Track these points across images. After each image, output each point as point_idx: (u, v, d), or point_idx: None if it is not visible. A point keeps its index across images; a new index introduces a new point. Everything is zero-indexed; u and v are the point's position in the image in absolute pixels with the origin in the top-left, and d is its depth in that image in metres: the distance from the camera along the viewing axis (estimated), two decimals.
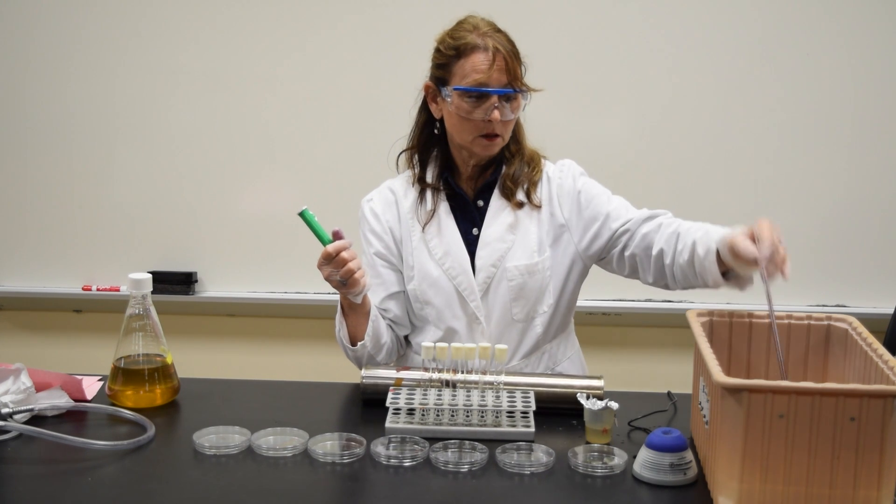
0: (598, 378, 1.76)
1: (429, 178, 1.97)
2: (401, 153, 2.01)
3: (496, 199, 1.94)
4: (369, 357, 1.90)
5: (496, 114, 1.83)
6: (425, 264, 1.94)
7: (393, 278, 1.98)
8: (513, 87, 1.83)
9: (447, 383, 1.74)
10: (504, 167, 1.94)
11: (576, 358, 2.05)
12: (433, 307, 1.94)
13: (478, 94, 1.83)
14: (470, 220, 1.95)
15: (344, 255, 1.75)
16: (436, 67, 1.91)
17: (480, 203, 1.96)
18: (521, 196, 1.93)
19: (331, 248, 1.75)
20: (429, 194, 1.96)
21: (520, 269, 1.91)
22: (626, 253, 1.90)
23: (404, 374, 1.76)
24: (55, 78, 2.94)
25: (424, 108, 1.96)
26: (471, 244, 1.94)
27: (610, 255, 1.93)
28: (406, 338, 2.03)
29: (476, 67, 1.83)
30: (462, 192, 1.95)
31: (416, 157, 1.99)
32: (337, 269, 1.75)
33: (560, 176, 1.96)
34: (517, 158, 1.94)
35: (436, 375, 1.74)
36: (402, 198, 1.99)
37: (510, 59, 1.82)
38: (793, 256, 2.92)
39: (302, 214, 1.77)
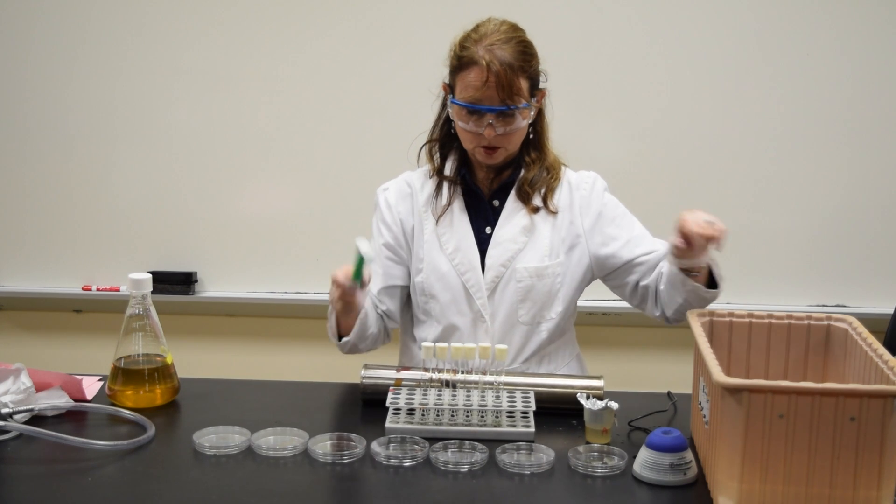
0: (598, 378, 1.76)
1: (447, 172, 1.97)
2: (422, 146, 2.01)
3: (512, 201, 1.94)
4: (352, 346, 1.90)
5: (489, 131, 1.83)
6: (435, 258, 1.94)
7: (395, 272, 1.98)
8: (506, 104, 1.81)
9: (447, 383, 1.74)
10: (523, 171, 1.94)
11: (575, 364, 2.05)
12: (439, 302, 1.95)
13: (469, 110, 1.83)
14: (484, 219, 1.96)
15: (335, 292, 1.77)
16: (449, 72, 1.91)
17: (496, 203, 1.96)
18: (537, 201, 1.94)
19: (340, 278, 1.75)
20: (445, 188, 1.96)
21: (529, 271, 1.92)
22: (642, 283, 1.93)
23: (404, 374, 1.76)
24: (55, 78, 2.94)
25: (444, 105, 1.96)
26: (483, 242, 1.94)
27: (625, 282, 1.96)
28: (408, 333, 2.04)
29: (471, 83, 1.82)
30: (478, 190, 1.96)
31: (437, 150, 1.99)
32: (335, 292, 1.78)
33: (585, 187, 1.96)
34: (537, 165, 1.94)
35: (436, 375, 1.74)
36: (418, 191, 1.99)
37: (506, 76, 1.79)
38: (793, 256, 2.95)
39: (358, 248, 1.73)
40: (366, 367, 1.80)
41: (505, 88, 1.80)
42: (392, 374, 1.77)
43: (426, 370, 1.75)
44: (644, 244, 1.93)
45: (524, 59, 1.83)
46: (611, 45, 2.82)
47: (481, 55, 1.81)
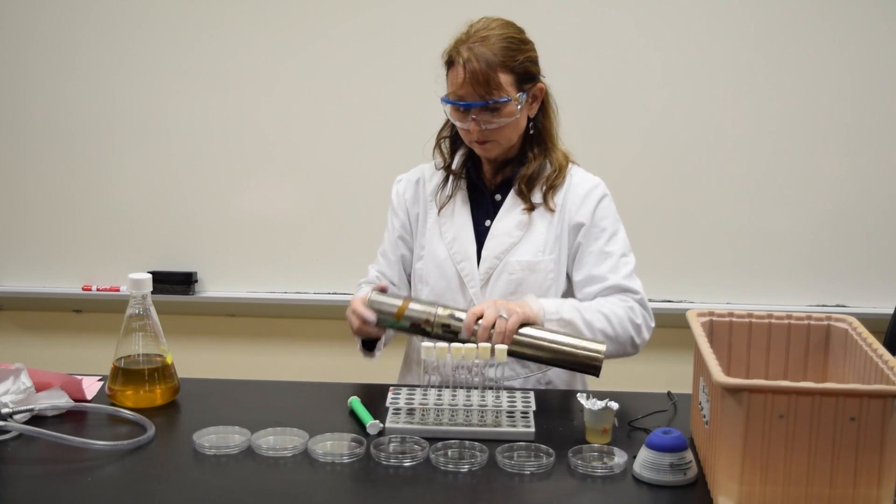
0: (601, 343, 1.75)
1: (455, 165, 2.02)
2: (438, 139, 2.05)
3: (512, 196, 1.98)
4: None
5: (472, 125, 1.87)
6: (435, 246, 1.99)
7: (409, 260, 2.06)
8: (484, 99, 1.84)
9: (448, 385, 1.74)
10: (522, 168, 1.96)
11: None
12: (433, 289, 1.99)
13: (454, 107, 1.88)
14: (485, 212, 2.00)
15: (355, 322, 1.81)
16: None
17: (498, 197, 1.99)
18: (536, 198, 1.96)
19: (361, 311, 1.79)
20: (450, 180, 2.02)
21: (521, 265, 1.94)
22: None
23: (412, 304, 1.77)
24: (55, 78, 2.94)
25: None
26: (481, 235, 1.98)
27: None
28: None
29: (454, 80, 1.88)
30: (482, 184, 2.00)
31: (447, 145, 2.03)
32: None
33: (583, 189, 1.97)
34: (538, 161, 1.96)
35: (435, 376, 1.74)
36: (427, 180, 2.05)
37: (482, 71, 1.82)
38: (793, 256, 2.95)
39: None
40: (373, 291, 1.81)
41: (482, 84, 1.83)
42: (398, 301, 1.78)
43: (426, 372, 1.75)
44: (601, 266, 1.92)
45: (507, 54, 1.86)
46: (610, 44, 2.82)
47: (461, 53, 1.85)
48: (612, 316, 1.87)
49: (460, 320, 1.76)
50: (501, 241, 1.95)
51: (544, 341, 1.76)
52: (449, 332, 1.76)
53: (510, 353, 1.73)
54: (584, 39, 2.82)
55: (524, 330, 1.76)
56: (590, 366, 1.75)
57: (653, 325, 1.94)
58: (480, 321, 1.73)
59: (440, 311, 1.77)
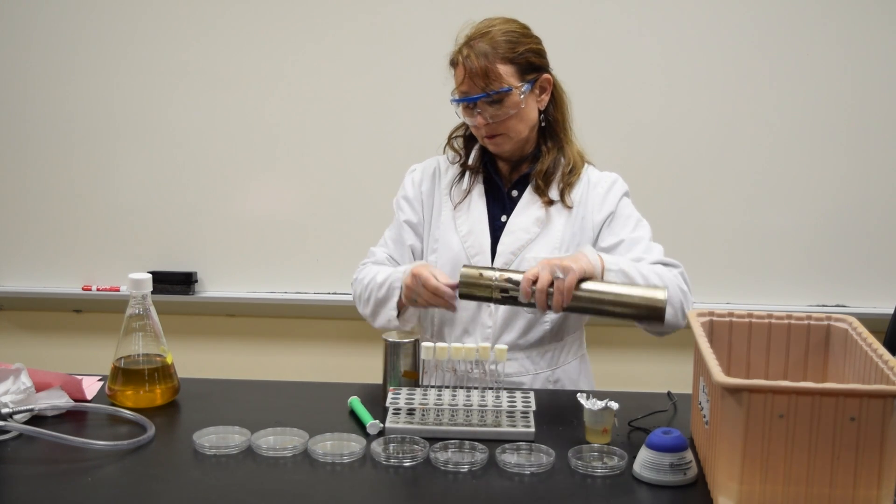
0: (662, 288, 1.71)
1: (471, 161, 2.03)
2: (450, 138, 2.07)
3: (529, 192, 1.98)
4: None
5: (479, 119, 1.89)
6: (449, 239, 1.99)
7: (418, 247, 2.05)
8: (484, 91, 1.86)
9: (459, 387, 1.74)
10: (538, 163, 1.97)
11: (578, 365, 2.05)
12: None
13: (459, 104, 1.91)
14: (500, 208, 2.00)
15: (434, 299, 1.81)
16: None
17: (514, 193, 2.00)
18: (553, 194, 1.97)
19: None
20: (466, 176, 2.02)
21: (538, 262, 1.92)
22: None
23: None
24: (55, 78, 2.94)
25: None
26: (496, 230, 1.98)
27: None
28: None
29: (457, 79, 1.91)
30: (499, 180, 2.01)
31: (460, 143, 2.05)
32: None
33: (603, 185, 1.98)
34: (550, 156, 1.97)
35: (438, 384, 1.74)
36: (443, 173, 2.06)
37: (479, 64, 1.85)
38: (793, 256, 2.95)
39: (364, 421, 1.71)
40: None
41: (480, 76, 1.86)
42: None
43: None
44: (633, 252, 1.91)
45: (507, 46, 1.88)
46: (609, 44, 2.82)
47: (461, 52, 1.89)
48: (664, 276, 1.83)
49: (517, 284, 1.72)
50: (518, 236, 1.95)
51: (604, 294, 1.71)
52: (508, 297, 1.72)
53: (571, 310, 1.71)
54: (583, 38, 2.82)
55: (583, 285, 1.71)
56: (654, 311, 1.68)
57: (693, 300, 1.89)
58: (536, 285, 1.70)
59: (496, 273, 1.73)
